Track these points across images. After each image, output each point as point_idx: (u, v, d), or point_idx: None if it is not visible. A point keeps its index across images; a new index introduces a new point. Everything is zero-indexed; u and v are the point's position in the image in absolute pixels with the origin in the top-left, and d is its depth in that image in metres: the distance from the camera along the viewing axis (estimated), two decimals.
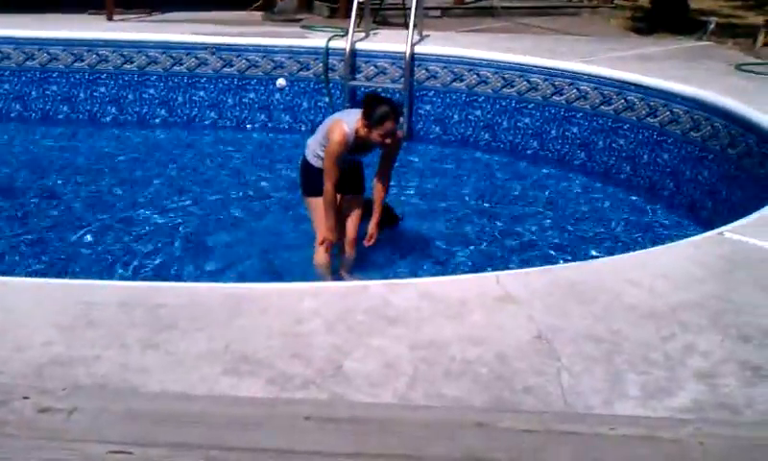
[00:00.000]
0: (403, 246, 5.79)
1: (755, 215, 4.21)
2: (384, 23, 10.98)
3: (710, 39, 10.52)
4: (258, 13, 12.43)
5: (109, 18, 10.37)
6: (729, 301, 3.27)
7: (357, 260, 5.34)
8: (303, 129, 9.10)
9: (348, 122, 4.94)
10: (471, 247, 5.81)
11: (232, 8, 12.16)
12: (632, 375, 2.74)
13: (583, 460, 1.95)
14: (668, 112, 7.28)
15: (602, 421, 2.24)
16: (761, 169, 5.84)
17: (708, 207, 6.65)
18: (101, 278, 4.74)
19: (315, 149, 5.16)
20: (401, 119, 8.54)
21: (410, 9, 9.36)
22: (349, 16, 9.25)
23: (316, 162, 5.15)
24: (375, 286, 3.39)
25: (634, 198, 7.46)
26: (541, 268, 3.64)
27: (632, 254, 3.80)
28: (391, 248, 5.61)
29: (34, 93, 9.45)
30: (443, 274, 5.06)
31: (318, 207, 5.19)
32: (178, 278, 4.97)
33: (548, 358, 2.83)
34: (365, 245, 5.28)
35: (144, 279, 4.94)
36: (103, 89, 9.53)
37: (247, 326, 3.02)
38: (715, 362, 2.82)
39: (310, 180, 5.25)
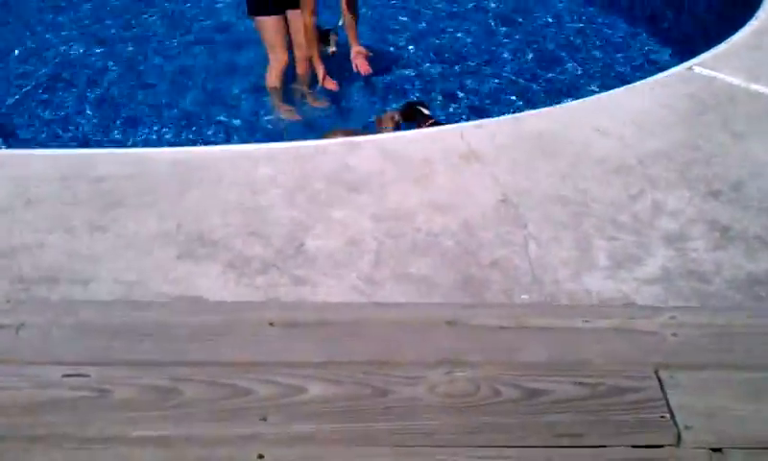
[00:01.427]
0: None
1: (723, 45, 4.04)
2: None
3: None
4: None
5: None
6: (697, 149, 3.18)
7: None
8: None
9: None
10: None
11: None
12: (600, 241, 2.67)
13: (559, 355, 1.90)
14: None
15: (575, 312, 2.18)
16: None
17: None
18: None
19: None
20: None
21: None
22: None
23: None
24: (333, 146, 3.21)
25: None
26: (508, 117, 3.49)
27: (600, 96, 3.64)
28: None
29: None
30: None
31: (268, 28, 5.01)
32: (115, 120, 4.73)
33: (514, 226, 2.74)
34: (362, 72, 5.23)
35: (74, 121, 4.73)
36: None
37: (200, 199, 2.87)
38: (684, 223, 2.77)
39: None
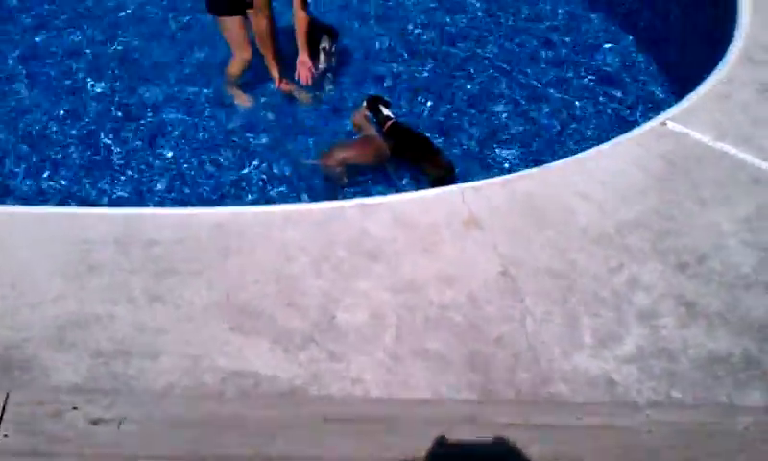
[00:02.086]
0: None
1: (695, 96, 4.49)
2: None
3: None
4: None
5: None
6: (669, 218, 3.67)
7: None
8: None
9: None
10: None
11: None
12: (585, 319, 3.18)
13: (561, 452, 2.42)
14: None
15: (571, 410, 2.69)
16: None
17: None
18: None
19: None
20: None
21: None
22: None
23: None
24: (350, 210, 3.65)
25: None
26: (499, 179, 3.93)
27: (579, 157, 4.09)
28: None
29: None
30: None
31: (230, 28, 5.33)
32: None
33: (513, 300, 3.23)
34: (303, 82, 5.50)
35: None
36: None
37: (240, 267, 3.30)
38: (656, 298, 3.28)
39: None
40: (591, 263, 3.42)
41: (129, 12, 6.68)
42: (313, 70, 5.50)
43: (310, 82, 5.51)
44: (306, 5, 5.35)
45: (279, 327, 3.06)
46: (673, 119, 4.29)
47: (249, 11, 5.32)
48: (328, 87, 5.74)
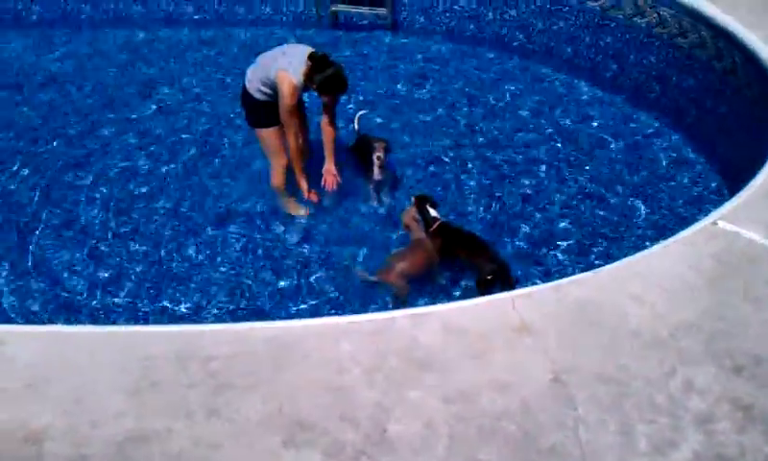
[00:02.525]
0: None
1: (744, 194, 4.50)
2: None
3: None
4: None
5: None
6: (722, 318, 3.64)
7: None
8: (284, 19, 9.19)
9: (293, 73, 5.26)
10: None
11: None
12: (640, 425, 3.14)
13: None
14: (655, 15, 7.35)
15: None
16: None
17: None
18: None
19: (257, 85, 5.47)
20: (385, 10, 8.64)
21: None
22: None
23: (260, 96, 5.50)
24: (401, 320, 3.71)
25: (618, 99, 7.66)
26: (550, 285, 3.97)
27: (630, 259, 4.11)
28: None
29: None
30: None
31: (267, 138, 5.66)
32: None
33: (566, 407, 3.22)
34: (328, 189, 5.71)
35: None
36: None
37: (293, 379, 3.37)
38: (711, 403, 3.23)
39: (256, 113, 5.63)
40: (644, 367, 3.40)
41: (191, 134, 6.97)
42: (338, 178, 5.69)
43: (335, 188, 5.70)
44: (334, 120, 5.63)
45: (332, 439, 3.11)
46: (723, 218, 4.29)
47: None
48: (385, 199, 5.88)
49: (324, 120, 5.62)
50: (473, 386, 3.33)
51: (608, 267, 4.03)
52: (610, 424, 3.16)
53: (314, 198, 5.76)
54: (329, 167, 5.69)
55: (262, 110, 5.56)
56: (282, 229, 5.70)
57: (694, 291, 3.83)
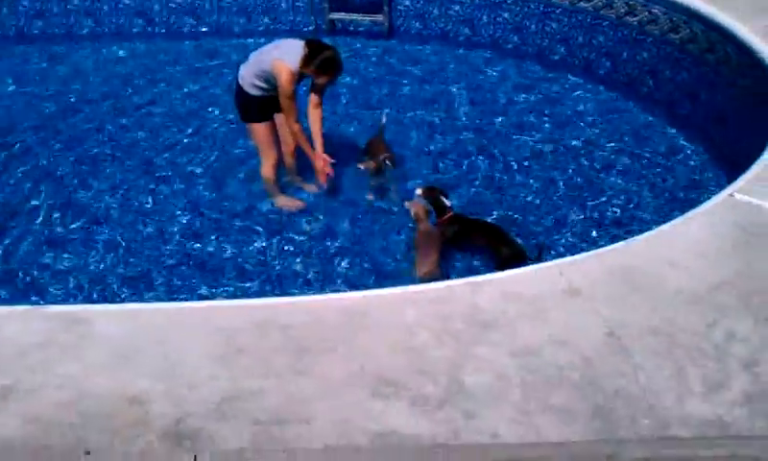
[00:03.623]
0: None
1: (755, 168, 4.88)
2: None
3: None
4: None
5: None
6: (752, 277, 3.99)
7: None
8: (282, 28, 9.42)
9: (290, 61, 5.55)
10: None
11: None
12: (692, 369, 3.46)
13: None
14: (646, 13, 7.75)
15: (694, 443, 2.98)
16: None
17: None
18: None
19: (251, 80, 5.75)
20: (382, 17, 8.94)
21: None
22: None
23: (254, 92, 5.79)
24: (460, 287, 4.00)
25: (613, 94, 8.06)
26: (592, 253, 4.30)
27: (661, 229, 4.45)
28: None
29: None
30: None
31: (259, 132, 5.96)
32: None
33: (623, 356, 3.53)
34: (327, 177, 5.98)
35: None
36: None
37: (368, 344, 3.62)
38: (753, 350, 3.56)
39: (249, 107, 5.90)
40: (689, 321, 3.72)
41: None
42: (330, 160, 5.93)
43: (330, 170, 5.94)
44: (321, 103, 5.89)
45: (415, 391, 3.37)
46: (739, 191, 4.65)
47: (276, 114, 5.91)
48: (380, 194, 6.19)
49: (314, 101, 5.85)
50: (536, 342, 3.62)
51: (641, 236, 4.37)
52: (665, 368, 3.47)
53: (323, 179, 5.98)
54: (320, 152, 5.91)
55: (255, 105, 5.84)
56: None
57: (723, 254, 4.18)
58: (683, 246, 4.24)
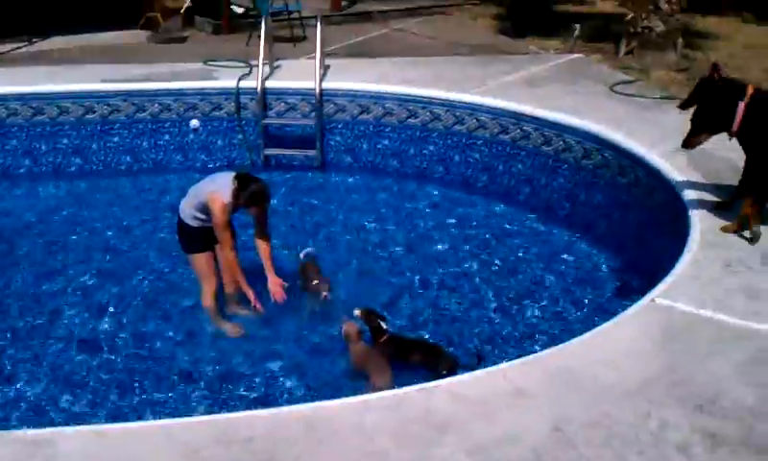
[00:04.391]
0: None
1: (670, 278, 5.34)
2: (276, 39, 11.44)
3: (577, 46, 11.77)
4: (144, 33, 12.75)
5: None
6: (678, 370, 4.35)
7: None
8: (219, 164, 9.70)
9: (223, 194, 5.92)
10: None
11: (115, 28, 12.58)
12: (632, 456, 3.75)
13: None
14: (561, 142, 8.39)
15: None
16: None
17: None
18: None
19: (191, 212, 6.14)
20: (314, 151, 9.39)
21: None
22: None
23: (194, 223, 6.16)
24: (413, 394, 4.25)
25: (532, 216, 8.59)
26: (531, 357, 4.65)
27: (593, 332, 4.84)
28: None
29: None
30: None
31: (199, 262, 6.32)
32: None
33: (569, 448, 3.80)
34: (279, 301, 6.24)
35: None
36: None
37: (332, 450, 3.80)
38: (686, 434, 3.88)
39: (190, 239, 6.28)
40: (625, 413, 4.03)
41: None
42: (284, 284, 6.24)
43: (284, 296, 6.23)
44: (266, 232, 6.24)
45: None
46: (659, 296, 5.09)
47: (217, 246, 6.24)
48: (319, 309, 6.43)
49: (258, 233, 6.22)
50: (489, 441, 3.87)
51: (575, 340, 4.74)
52: (605, 458, 3.75)
53: (260, 307, 6.22)
54: (274, 279, 6.22)
55: (196, 237, 6.20)
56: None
57: (650, 352, 4.56)
58: (613, 347, 4.61)
